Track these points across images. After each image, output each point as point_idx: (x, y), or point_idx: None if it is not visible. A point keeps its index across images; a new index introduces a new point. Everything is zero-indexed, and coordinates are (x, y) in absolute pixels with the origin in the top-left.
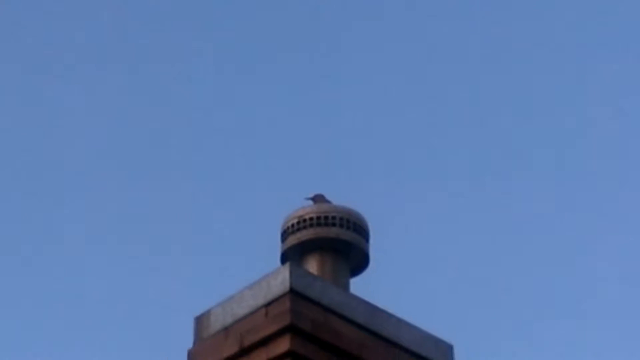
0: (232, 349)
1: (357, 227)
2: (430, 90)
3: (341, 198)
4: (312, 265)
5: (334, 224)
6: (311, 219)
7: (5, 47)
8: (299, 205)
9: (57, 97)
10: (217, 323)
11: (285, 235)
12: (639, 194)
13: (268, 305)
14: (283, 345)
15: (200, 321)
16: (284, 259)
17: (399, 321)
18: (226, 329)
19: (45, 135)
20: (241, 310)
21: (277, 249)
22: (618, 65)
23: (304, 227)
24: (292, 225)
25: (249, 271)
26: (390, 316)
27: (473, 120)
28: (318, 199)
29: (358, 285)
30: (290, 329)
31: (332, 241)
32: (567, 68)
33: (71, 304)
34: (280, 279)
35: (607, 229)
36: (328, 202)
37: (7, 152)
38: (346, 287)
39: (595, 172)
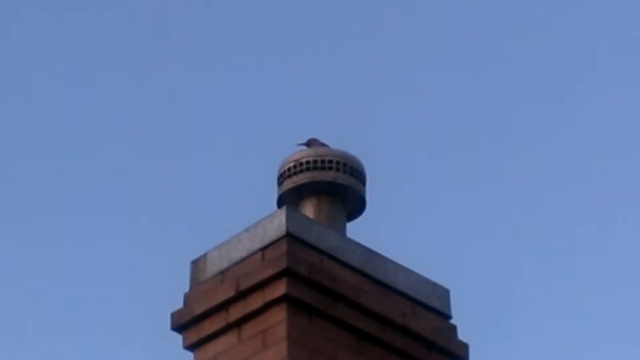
0: (228, 292)
1: (354, 170)
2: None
3: (338, 142)
4: (309, 209)
5: (330, 168)
6: (308, 162)
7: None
8: (295, 149)
9: None
10: (213, 267)
11: (281, 179)
12: None
13: (264, 249)
14: (279, 289)
15: (196, 265)
16: (281, 203)
17: (396, 265)
18: (222, 273)
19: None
20: (237, 254)
21: (273, 193)
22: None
23: (301, 171)
24: (289, 169)
25: (245, 215)
26: (387, 260)
27: (467, 59)
28: (312, 142)
29: (355, 230)
30: (286, 273)
31: (328, 185)
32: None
33: (70, 251)
34: (277, 223)
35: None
36: (323, 145)
37: None
38: (343, 231)
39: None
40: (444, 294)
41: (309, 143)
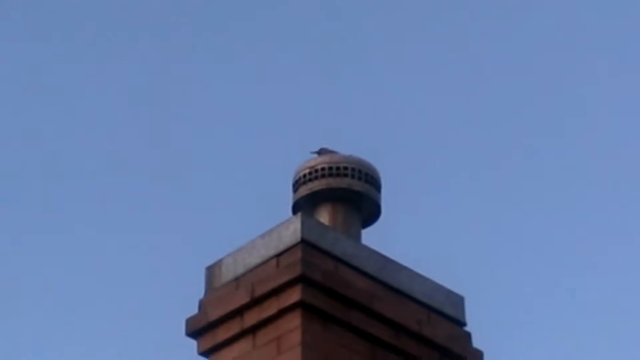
0: (243, 298)
1: (369, 177)
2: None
3: (353, 148)
4: (324, 215)
5: (345, 175)
6: (323, 169)
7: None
8: (310, 156)
9: None
10: (228, 273)
11: (296, 185)
12: None
13: (279, 255)
14: (294, 295)
15: (211, 271)
16: (296, 209)
17: (410, 272)
18: (237, 279)
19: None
20: (252, 260)
21: (288, 199)
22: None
23: (316, 178)
24: (304, 176)
25: (260, 221)
26: (402, 267)
27: (476, 70)
28: (322, 151)
29: (369, 236)
30: (301, 279)
31: (343, 192)
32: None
33: (86, 257)
34: (292, 229)
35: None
36: (334, 152)
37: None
38: (357, 237)
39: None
40: (459, 301)
41: (320, 152)
